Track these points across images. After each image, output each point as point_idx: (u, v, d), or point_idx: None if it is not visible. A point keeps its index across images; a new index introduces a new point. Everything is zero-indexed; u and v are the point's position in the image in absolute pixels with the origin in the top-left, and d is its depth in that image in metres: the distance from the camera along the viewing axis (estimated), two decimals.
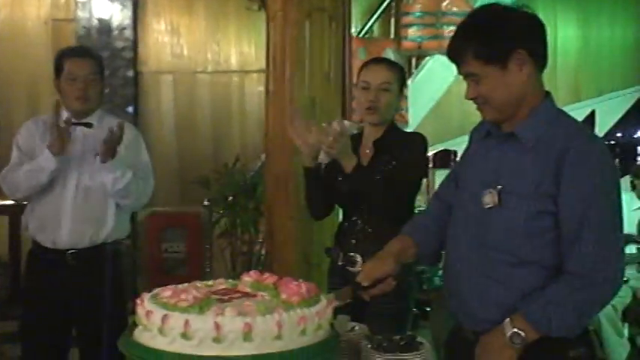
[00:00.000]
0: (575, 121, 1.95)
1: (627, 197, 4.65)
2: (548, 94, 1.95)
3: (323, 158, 2.63)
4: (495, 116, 1.93)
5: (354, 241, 2.75)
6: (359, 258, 2.69)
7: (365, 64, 2.85)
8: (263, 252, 4.87)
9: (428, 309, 4.24)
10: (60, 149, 2.95)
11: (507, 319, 1.84)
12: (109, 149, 2.93)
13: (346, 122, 2.57)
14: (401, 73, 2.83)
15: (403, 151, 2.68)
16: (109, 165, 2.97)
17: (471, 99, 1.94)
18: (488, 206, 1.90)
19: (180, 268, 5.74)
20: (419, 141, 2.74)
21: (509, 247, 1.87)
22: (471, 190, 2.00)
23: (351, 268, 2.69)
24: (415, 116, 5.60)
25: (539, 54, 1.90)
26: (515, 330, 1.81)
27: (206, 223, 5.64)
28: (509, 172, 1.89)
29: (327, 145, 2.49)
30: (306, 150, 2.62)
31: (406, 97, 5.54)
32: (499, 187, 1.89)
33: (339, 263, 2.77)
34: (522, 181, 1.86)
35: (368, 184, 2.61)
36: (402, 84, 2.81)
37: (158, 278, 5.44)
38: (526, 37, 1.87)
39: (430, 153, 2.68)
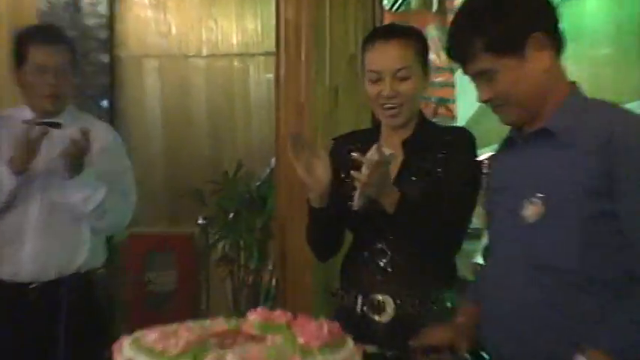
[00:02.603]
0: (611, 104, 2.02)
1: None
2: (574, 83, 2.05)
3: (357, 204, 2.39)
4: (519, 116, 2.02)
5: (379, 277, 2.52)
6: (390, 302, 2.48)
7: (368, 42, 2.58)
8: (273, 284, 4.86)
9: None
10: (24, 167, 2.95)
11: (580, 355, 1.83)
12: (74, 162, 2.93)
13: (386, 150, 2.32)
14: (418, 42, 2.57)
15: (449, 156, 2.50)
16: (77, 181, 2.97)
17: (485, 101, 2.03)
18: (532, 220, 1.95)
19: (169, 303, 5.75)
20: (466, 139, 2.54)
21: (566, 264, 1.91)
22: (505, 207, 2.06)
23: (377, 318, 2.50)
24: (464, 110, 5.56)
25: (556, 35, 1.99)
26: None
27: (201, 246, 5.65)
28: (548, 176, 1.96)
29: (362, 181, 2.29)
30: (316, 186, 2.44)
31: (453, 86, 5.53)
32: (540, 195, 1.94)
33: (358, 311, 2.53)
34: (566, 183, 1.91)
35: (419, 214, 2.41)
36: (425, 56, 2.56)
37: (141, 316, 5.46)
38: (541, 17, 1.97)
39: (482, 157, 2.60)
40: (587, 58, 6.17)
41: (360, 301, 2.54)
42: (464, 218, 2.52)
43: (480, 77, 2.01)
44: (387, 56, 2.51)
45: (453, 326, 2.25)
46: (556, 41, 2.00)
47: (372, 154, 2.30)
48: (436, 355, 2.16)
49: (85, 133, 2.91)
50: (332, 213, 2.52)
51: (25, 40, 3.11)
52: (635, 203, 1.85)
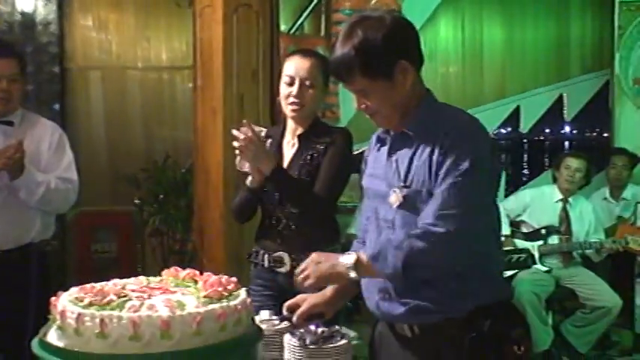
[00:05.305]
0: (452, 107, 2.03)
1: (549, 189, 4.77)
2: (428, 90, 2.03)
3: (240, 165, 2.60)
4: (388, 122, 2.00)
5: (279, 240, 2.68)
6: (286, 257, 2.65)
7: (290, 55, 2.75)
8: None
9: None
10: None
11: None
12: (15, 167, 2.87)
13: (256, 127, 2.54)
14: (325, 66, 2.65)
15: (328, 147, 2.63)
16: (20, 182, 2.91)
17: (361, 109, 2.00)
18: (396, 205, 1.94)
19: (112, 268, 5.60)
20: (344, 137, 2.68)
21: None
22: (377, 192, 2.04)
23: (279, 269, 2.66)
24: (346, 113, 5.63)
25: (417, 58, 1.97)
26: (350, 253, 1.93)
27: (137, 222, 5.55)
28: (407, 169, 1.94)
29: (238, 147, 2.49)
30: (257, 177, 2.59)
31: (337, 94, 5.57)
32: (400, 185, 1.93)
33: (265, 265, 2.70)
34: (419, 175, 1.90)
35: (291, 182, 2.59)
36: (327, 77, 2.68)
37: (88, 280, 5.28)
38: (405, 48, 1.93)
39: (362, 149, 2.66)
40: (439, 74, 6.35)
41: (266, 257, 2.70)
42: (333, 192, 2.65)
43: (357, 92, 1.96)
44: (300, 67, 2.64)
45: (321, 296, 2.20)
46: (417, 63, 1.97)
47: (245, 130, 2.49)
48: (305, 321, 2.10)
49: (20, 143, 2.86)
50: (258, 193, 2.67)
51: None
52: (445, 189, 1.83)
